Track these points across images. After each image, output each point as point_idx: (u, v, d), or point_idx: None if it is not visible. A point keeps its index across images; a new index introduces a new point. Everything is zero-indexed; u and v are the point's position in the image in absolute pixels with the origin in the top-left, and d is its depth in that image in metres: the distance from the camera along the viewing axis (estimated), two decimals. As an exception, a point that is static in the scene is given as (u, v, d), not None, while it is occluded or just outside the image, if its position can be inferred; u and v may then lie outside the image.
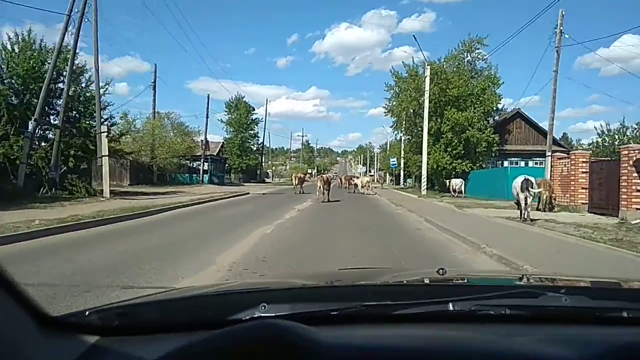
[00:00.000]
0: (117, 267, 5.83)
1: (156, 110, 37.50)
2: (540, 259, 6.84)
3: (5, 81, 19.81)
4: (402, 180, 53.93)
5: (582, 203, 17.47)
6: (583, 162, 17.75)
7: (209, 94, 43.12)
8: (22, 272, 5.13)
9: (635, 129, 33.07)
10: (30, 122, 17.59)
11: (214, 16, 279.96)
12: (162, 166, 34.94)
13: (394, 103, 36.08)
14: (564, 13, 18.99)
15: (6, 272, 0.94)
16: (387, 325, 1.19)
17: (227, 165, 53.29)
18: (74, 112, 21.17)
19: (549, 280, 1.90)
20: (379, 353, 0.95)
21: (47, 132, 20.76)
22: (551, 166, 19.45)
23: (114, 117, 23.94)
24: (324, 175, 24.23)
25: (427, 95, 28.59)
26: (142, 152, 34.24)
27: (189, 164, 40.26)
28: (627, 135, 32.49)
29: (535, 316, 1.26)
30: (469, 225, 11.93)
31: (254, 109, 60.23)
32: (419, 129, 33.65)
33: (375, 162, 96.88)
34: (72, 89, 21.45)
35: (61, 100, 19.14)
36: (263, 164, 73.53)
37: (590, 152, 20.93)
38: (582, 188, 17.61)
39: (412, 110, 34.27)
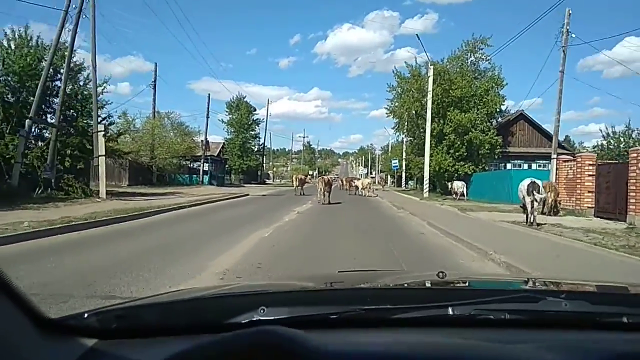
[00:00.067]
0: (96, 276, 5.44)
1: (157, 110, 37.26)
2: (553, 268, 6.47)
3: (1, 78, 19.46)
4: (403, 183, 53.57)
5: (588, 207, 17.06)
6: (589, 164, 17.34)
7: (209, 94, 43.03)
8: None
9: (642, 131, 32.63)
10: (26, 121, 17.27)
11: (215, 16, 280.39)
12: (161, 167, 34.58)
13: (396, 104, 35.64)
14: (570, 12, 18.63)
15: (4, 274, 0.93)
16: (386, 330, 1.18)
17: (227, 166, 52.91)
18: (72, 111, 20.86)
19: (549, 285, 1.90)
20: None
21: (44, 131, 20.44)
22: (556, 169, 19.04)
23: (112, 116, 23.61)
24: (325, 177, 23.85)
25: (430, 95, 28.19)
26: (141, 152, 33.91)
27: (189, 165, 39.90)
28: (633, 138, 32.05)
29: (535, 321, 1.26)
30: (474, 229, 11.55)
31: (255, 110, 59.97)
32: (421, 130, 33.26)
33: (377, 164, 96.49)
34: (70, 87, 21.16)
35: (58, 99, 18.80)
36: (264, 165, 73.18)
37: (596, 155, 20.45)
38: (589, 191, 17.19)
39: (414, 112, 33.85)
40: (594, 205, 16.91)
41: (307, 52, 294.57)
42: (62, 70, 19.25)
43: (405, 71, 34.63)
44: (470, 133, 31.54)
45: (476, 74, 34.22)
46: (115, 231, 9.80)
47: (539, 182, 12.56)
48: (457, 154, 31.83)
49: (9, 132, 17.55)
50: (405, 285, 1.85)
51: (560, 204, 17.60)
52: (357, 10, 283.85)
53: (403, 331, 1.18)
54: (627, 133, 32.72)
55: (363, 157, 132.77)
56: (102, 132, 18.07)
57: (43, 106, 20.06)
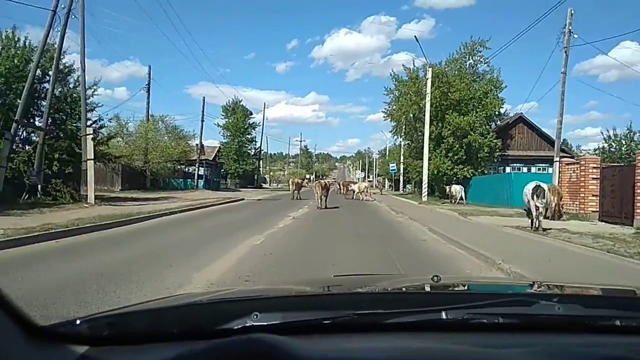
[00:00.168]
0: (60, 293, 4.86)
1: (151, 113, 36.64)
2: (573, 281, 5.90)
3: (-14, 80, 18.85)
4: (401, 186, 53.06)
5: (593, 211, 16.58)
6: (594, 167, 16.87)
7: (204, 97, 42.14)
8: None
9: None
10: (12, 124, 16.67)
11: (213, 21, 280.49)
12: (155, 171, 33.87)
13: (394, 107, 35.21)
14: (573, 12, 18.19)
15: None
16: (380, 335, 1.18)
17: (223, 170, 52.24)
18: (61, 114, 20.22)
19: (542, 288, 1.89)
20: None
21: (32, 134, 19.83)
22: (559, 172, 18.55)
23: (103, 120, 22.85)
24: (321, 181, 23.36)
25: (428, 98, 27.72)
26: (134, 156, 33.26)
27: (184, 169, 39.22)
28: (635, 141, 31.58)
29: (528, 325, 1.27)
30: (477, 235, 11.02)
31: (251, 113, 59.22)
32: (419, 133, 32.79)
33: (374, 168, 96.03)
34: (59, 89, 20.59)
35: (46, 101, 18.21)
36: (261, 169, 72.55)
37: (600, 158, 19.98)
38: (593, 195, 16.72)
39: (412, 115, 33.37)
40: (598, 209, 16.44)
41: (305, 57, 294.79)
42: (50, 72, 18.66)
43: (403, 74, 34.28)
44: (469, 136, 31.09)
45: (475, 77, 33.82)
46: (97, 239, 9.20)
47: (544, 185, 12.04)
48: (455, 157, 31.37)
49: (-6, 135, 16.97)
50: (400, 289, 1.83)
51: (563, 207, 17.12)
52: (354, 15, 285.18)
53: (396, 336, 1.17)
54: (628, 136, 32.29)
55: (360, 161, 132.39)
56: (91, 136, 17.46)
57: (31, 109, 19.50)
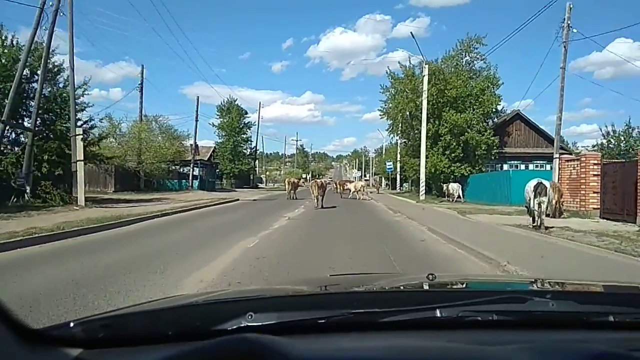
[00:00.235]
0: (37, 302, 4.50)
1: (144, 113, 36.13)
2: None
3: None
4: (398, 185, 52.77)
5: (594, 208, 16.30)
6: (594, 164, 16.57)
7: (198, 96, 41.55)
8: None
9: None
10: (0, 125, 16.24)
11: (208, 21, 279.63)
12: (148, 172, 33.36)
13: (390, 105, 34.84)
14: (572, 6, 17.86)
15: None
16: (375, 333, 1.18)
17: (218, 170, 51.76)
18: (50, 114, 19.73)
19: (536, 285, 1.90)
20: None
21: (21, 135, 19.37)
22: (559, 169, 18.24)
23: (94, 120, 22.32)
24: (318, 180, 23.01)
25: (425, 95, 27.36)
26: (128, 157, 32.77)
27: (178, 170, 38.73)
28: (633, 137, 31.36)
29: (522, 321, 1.27)
30: (479, 235, 10.70)
31: (246, 113, 58.68)
32: (416, 131, 32.46)
33: (371, 167, 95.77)
34: (49, 89, 20.12)
35: (34, 101, 17.75)
36: (256, 169, 72.05)
37: (600, 154, 19.67)
38: (594, 192, 16.44)
39: (408, 113, 33.02)
40: (599, 207, 16.16)
41: (300, 56, 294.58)
42: (39, 72, 18.19)
43: (399, 72, 33.92)
44: (466, 134, 30.77)
45: (471, 74, 33.49)
46: (82, 244, 8.79)
47: (546, 182, 11.73)
48: (453, 155, 31.05)
49: (-20, 137, 16.53)
50: (395, 288, 1.83)
51: (563, 205, 16.83)
52: (349, 14, 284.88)
53: (392, 334, 1.17)
54: (627, 132, 32.03)
55: (357, 160, 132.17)
56: (81, 136, 17.01)
57: (20, 110, 19.04)
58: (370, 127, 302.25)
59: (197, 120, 38.94)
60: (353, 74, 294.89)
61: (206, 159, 45.30)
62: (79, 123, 19.79)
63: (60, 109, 19.59)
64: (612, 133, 32.75)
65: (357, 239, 10.30)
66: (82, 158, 16.80)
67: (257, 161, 68.99)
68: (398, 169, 47.26)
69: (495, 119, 36.21)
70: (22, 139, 19.05)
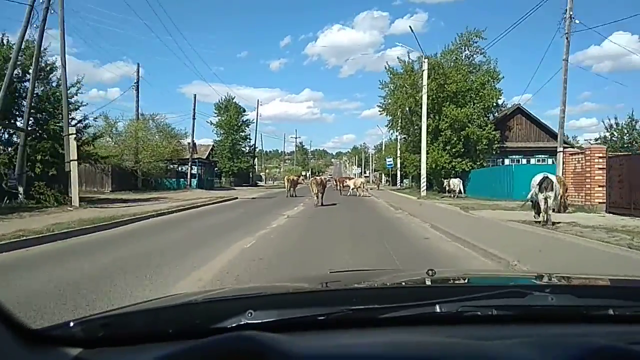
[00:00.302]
0: (17, 309, 4.14)
1: (141, 112, 35.72)
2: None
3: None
4: (398, 181, 52.41)
5: (599, 202, 15.96)
6: (599, 157, 16.22)
7: (195, 94, 41.15)
8: None
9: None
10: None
11: (205, 19, 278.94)
12: (146, 171, 32.93)
13: (389, 101, 34.48)
14: (574, -4, 17.44)
15: None
16: (374, 330, 1.18)
17: (217, 168, 51.35)
18: (43, 114, 19.34)
19: (535, 279, 1.90)
20: None
21: (13, 135, 18.98)
22: (563, 162, 17.88)
23: (88, 119, 21.87)
24: (317, 178, 22.65)
25: (425, 90, 26.95)
26: (124, 156, 32.37)
27: (176, 168, 38.32)
28: (637, 129, 30.93)
29: (522, 316, 1.27)
30: (483, 231, 10.36)
31: (244, 110, 58.31)
32: (416, 127, 32.10)
33: (371, 163, 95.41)
34: (41, 88, 19.75)
35: (26, 101, 17.37)
36: (256, 166, 71.69)
37: (606, 147, 19.31)
38: (599, 186, 16.10)
39: (408, 108, 32.62)
40: (605, 201, 15.81)
41: (298, 54, 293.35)
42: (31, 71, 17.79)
43: (398, 67, 33.53)
44: (466, 128, 30.41)
45: (471, 68, 33.08)
46: (71, 246, 8.41)
47: (552, 177, 11.38)
48: (453, 150, 30.70)
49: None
50: (394, 284, 1.83)
51: (567, 199, 16.49)
52: (346, 11, 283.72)
53: (391, 330, 1.18)
54: (630, 124, 31.60)
55: (356, 156, 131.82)
56: (74, 136, 16.61)
57: (13, 109, 18.66)
58: (370, 124, 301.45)
59: (194, 119, 38.62)
60: (351, 71, 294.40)
61: (205, 157, 44.90)
62: (72, 122, 19.44)
63: (54, 108, 19.18)
64: (615, 126, 32.35)
65: (357, 237, 9.95)
66: (75, 158, 16.41)
67: (256, 159, 68.63)
68: (398, 165, 46.86)
69: (496, 114, 35.81)
70: (15, 139, 18.66)
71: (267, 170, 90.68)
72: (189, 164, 37.12)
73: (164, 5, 75.41)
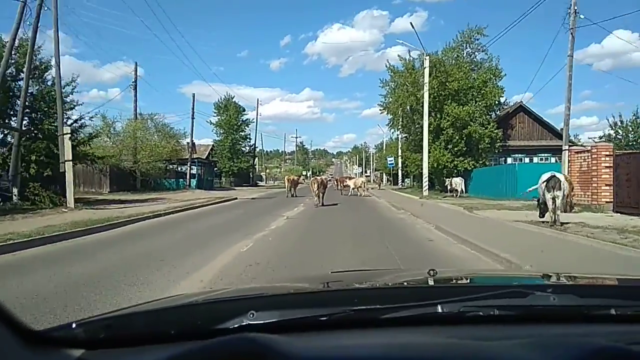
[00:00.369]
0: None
1: (139, 112, 35.35)
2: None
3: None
4: (400, 181, 52.01)
5: (606, 202, 15.57)
6: (606, 155, 15.83)
7: (194, 94, 40.90)
8: None
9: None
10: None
11: (205, 19, 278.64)
12: (144, 171, 32.53)
13: (390, 100, 34.08)
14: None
15: None
16: (376, 330, 1.18)
17: (217, 168, 50.94)
18: (39, 114, 18.99)
19: (537, 279, 1.90)
20: None
21: (7, 135, 18.63)
22: (568, 161, 17.49)
23: (84, 118, 21.46)
24: (318, 177, 22.31)
25: (426, 87, 26.55)
26: (123, 156, 31.99)
27: (176, 169, 37.92)
28: (642, 126, 30.56)
29: (523, 316, 1.27)
30: (491, 233, 10.00)
31: (244, 110, 57.91)
32: (417, 125, 31.70)
33: (371, 163, 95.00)
34: (36, 87, 19.40)
35: (20, 100, 17.00)
36: (256, 166, 71.30)
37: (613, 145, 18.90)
38: (606, 185, 15.71)
39: (409, 106, 32.19)
40: (612, 200, 15.41)
41: (298, 53, 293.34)
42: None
43: (399, 65, 33.12)
44: (468, 127, 29.99)
45: (473, 66, 32.66)
46: (59, 251, 8.04)
47: (560, 176, 11.00)
48: (455, 149, 30.30)
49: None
50: (396, 284, 1.82)
51: (573, 199, 16.11)
52: (346, 10, 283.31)
53: (393, 331, 1.18)
54: (635, 122, 31.16)
55: (357, 156, 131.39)
56: (68, 135, 16.24)
57: (7, 109, 18.32)
58: (370, 123, 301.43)
59: (193, 118, 38.20)
60: (352, 70, 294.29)
61: (204, 157, 44.53)
62: (68, 122, 19.09)
63: (49, 107, 18.84)
64: (620, 124, 31.90)
65: (359, 240, 9.58)
66: (70, 158, 16.05)
67: (256, 159, 68.23)
68: (399, 165, 46.43)
69: (498, 112, 35.40)
70: (9, 139, 18.31)
71: (267, 170, 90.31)
72: (188, 164, 36.74)
73: (163, 5, 75.18)
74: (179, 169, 37.88)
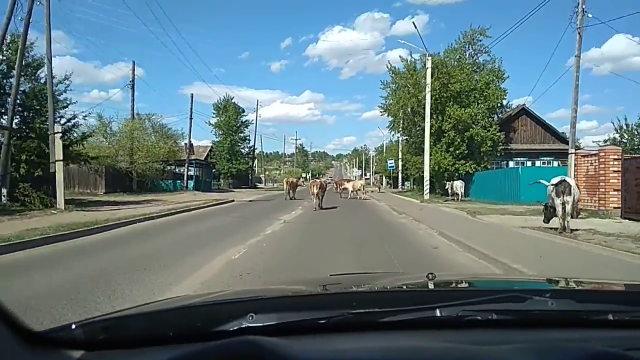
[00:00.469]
0: None
1: (136, 111, 34.83)
2: None
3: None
4: (400, 184, 51.48)
5: (614, 207, 15.06)
6: (615, 159, 15.32)
7: (192, 94, 40.25)
8: None
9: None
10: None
11: (207, 21, 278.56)
12: (141, 172, 31.98)
13: (391, 101, 33.59)
14: (587, -10, 16.56)
15: None
16: (375, 333, 1.18)
17: (215, 170, 50.39)
18: (30, 112, 18.48)
19: (536, 284, 1.93)
20: None
21: (-2, 134, 18.10)
22: (574, 165, 16.99)
23: (77, 117, 20.91)
24: (317, 180, 21.85)
25: (428, 89, 26.06)
26: (119, 156, 31.45)
27: (173, 170, 37.37)
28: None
29: (522, 321, 1.26)
30: (497, 240, 9.48)
31: (243, 111, 57.23)
32: (418, 128, 31.23)
33: (371, 165, 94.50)
34: (28, 85, 18.91)
35: (10, 97, 16.49)
36: (255, 168, 70.75)
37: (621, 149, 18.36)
38: (614, 190, 15.20)
39: (410, 108, 31.70)
40: (620, 206, 14.91)
41: (299, 55, 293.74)
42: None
43: (400, 66, 32.65)
44: (470, 129, 29.48)
45: (475, 67, 32.17)
46: (36, 257, 7.49)
47: (570, 180, 10.51)
48: (457, 152, 29.79)
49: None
50: (395, 287, 1.82)
51: (579, 204, 15.60)
52: (347, 13, 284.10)
53: (391, 334, 1.17)
54: (642, 124, 30.67)
55: (357, 158, 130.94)
56: (59, 135, 15.73)
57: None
58: (370, 126, 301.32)
59: (191, 118, 37.66)
60: (352, 73, 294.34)
61: (203, 158, 44.01)
62: (62, 121, 18.59)
63: (41, 105, 18.30)
64: (625, 127, 31.39)
65: (359, 247, 9.05)
66: (61, 158, 15.54)
67: (255, 161, 67.69)
68: (400, 167, 45.92)
69: (500, 115, 34.90)
70: (-1, 138, 17.80)
71: (267, 172, 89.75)
72: (186, 165, 36.21)
73: (165, 7, 74.86)
74: (177, 170, 37.33)
